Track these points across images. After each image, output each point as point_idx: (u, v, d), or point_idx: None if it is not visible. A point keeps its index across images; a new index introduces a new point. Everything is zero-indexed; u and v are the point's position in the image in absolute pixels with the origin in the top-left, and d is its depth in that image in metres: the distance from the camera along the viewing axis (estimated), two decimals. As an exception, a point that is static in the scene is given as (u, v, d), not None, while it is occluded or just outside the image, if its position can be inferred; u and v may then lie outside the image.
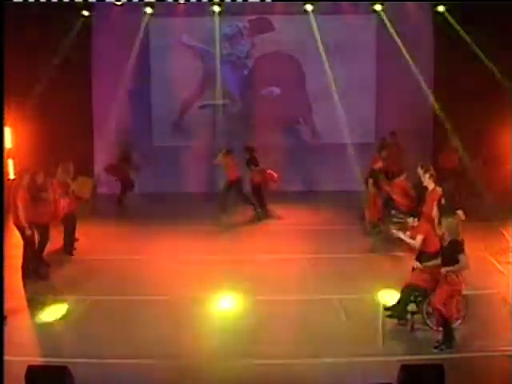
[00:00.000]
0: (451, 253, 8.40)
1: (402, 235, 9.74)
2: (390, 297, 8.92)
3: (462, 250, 8.41)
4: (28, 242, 10.85)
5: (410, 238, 9.57)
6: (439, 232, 8.80)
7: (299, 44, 16.58)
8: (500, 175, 14.81)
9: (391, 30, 15.99)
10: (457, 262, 8.35)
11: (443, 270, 8.43)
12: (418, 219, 9.56)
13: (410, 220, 9.64)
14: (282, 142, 17.12)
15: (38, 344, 8.71)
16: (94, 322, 9.44)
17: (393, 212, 13.33)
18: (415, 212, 9.85)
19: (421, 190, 11.83)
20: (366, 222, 13.49)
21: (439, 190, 11.19)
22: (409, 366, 6.22)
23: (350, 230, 13.62)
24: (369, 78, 16.82)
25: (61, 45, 15.51)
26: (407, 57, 16.00)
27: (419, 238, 9.38)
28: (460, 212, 10.36)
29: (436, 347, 8.41)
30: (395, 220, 13.01)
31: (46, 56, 15.35)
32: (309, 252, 12.24)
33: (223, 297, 9.81)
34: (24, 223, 10.66)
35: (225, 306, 9.51)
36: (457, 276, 8.42)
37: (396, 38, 15.99)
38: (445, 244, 8.58)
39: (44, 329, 9.19)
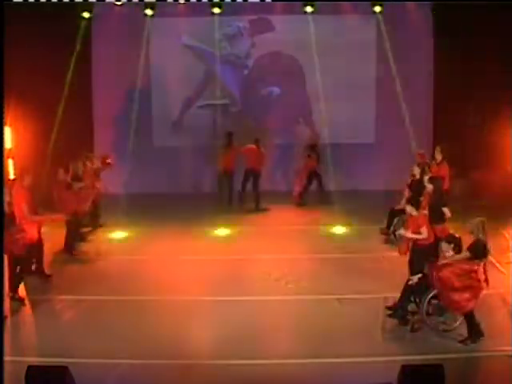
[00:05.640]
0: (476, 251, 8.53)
1: (407, 233, 9.80)
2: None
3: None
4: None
5: (413, 233, 9.63)
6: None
7: (299, 44, 16.54)
8: (500, 175, 14.80)
9: (391, 31, 16.00)
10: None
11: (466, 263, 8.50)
12: (417, 209, 9.64)
13: (409, 208, 9.72)
14: (281, 142, 17.12)
15: (38, 344, 8.70)
16: (95, 321, 9.43)
17: None
18: (414, 201, 9.88)
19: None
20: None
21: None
22: (409, 366, 6.20)
23: (349, 229, 13.62)
24: (369, 78, 16.80)
25: (61, 45, 15.49)
26: (407, 57, 16.01)
27: (425, 230, 9.51)
28: (446, 209, 10.46)
29: (461, 341, 8.40)
30: None
31: (46, 56, 15.32)
32: (308, 252, 12.24)
33: (223, 296, 9.84)
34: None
35: (224, 306, 9.52)
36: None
37: (396, 38, 15.99)
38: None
39: (44, 329, 9.22)
